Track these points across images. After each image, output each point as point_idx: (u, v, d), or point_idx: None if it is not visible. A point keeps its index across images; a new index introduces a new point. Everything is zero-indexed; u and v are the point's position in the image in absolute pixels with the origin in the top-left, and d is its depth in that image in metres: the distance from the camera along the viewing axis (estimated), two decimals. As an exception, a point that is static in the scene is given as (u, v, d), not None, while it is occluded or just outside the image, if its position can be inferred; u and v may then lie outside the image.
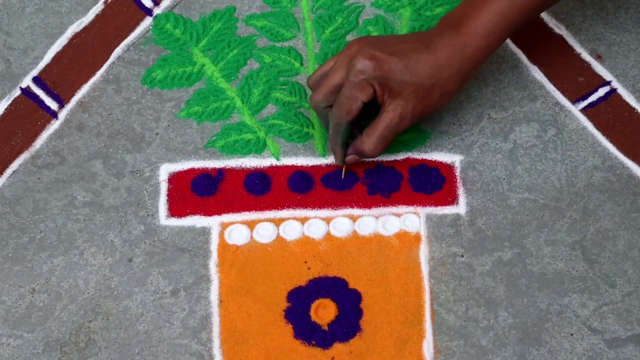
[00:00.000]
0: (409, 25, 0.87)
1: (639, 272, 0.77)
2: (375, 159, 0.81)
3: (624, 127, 0.83)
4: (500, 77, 0.85)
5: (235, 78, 0.85)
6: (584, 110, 0.84)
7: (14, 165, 0.81)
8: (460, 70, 0.74)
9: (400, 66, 0.73)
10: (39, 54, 0.86)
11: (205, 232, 0.79)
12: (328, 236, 0.79)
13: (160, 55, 0.86)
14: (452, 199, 0.80)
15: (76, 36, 0.87)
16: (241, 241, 0.78)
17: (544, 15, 0.87)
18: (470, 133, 0.83)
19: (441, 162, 0.81)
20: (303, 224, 0.79)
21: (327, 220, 0.79)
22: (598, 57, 0.86)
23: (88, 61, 0.86)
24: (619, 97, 0.84)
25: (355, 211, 0.80)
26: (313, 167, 0.81)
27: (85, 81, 0.85)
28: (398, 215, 0.79)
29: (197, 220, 0.79)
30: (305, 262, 0.78)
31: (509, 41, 0.86)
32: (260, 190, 0.80)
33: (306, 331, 0.75)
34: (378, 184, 0.80)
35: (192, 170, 0.81)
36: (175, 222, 0.79)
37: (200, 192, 0.80)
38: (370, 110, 0.76)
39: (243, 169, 0.81)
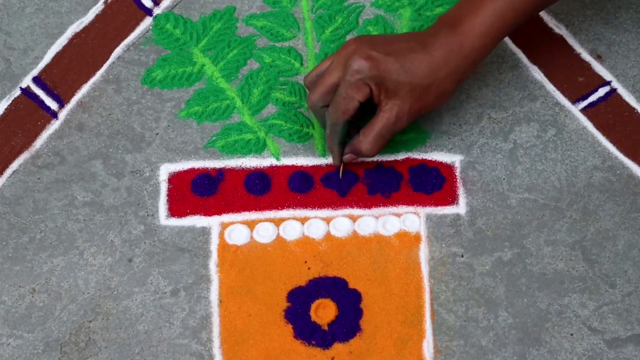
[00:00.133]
0: (409, 25, 0.87)
1: (639, 272, 0.77)
2: (375, 159, 0.81)
3: (624, 127, 0.83)
4: (500, 77, 0.85)
5: (235, 78, 0.85)
6: (584, 110, 0.84)
7: (14, 165, 0.81)
8: (457, 70, 0.74)
9: (397, 66, 0.73)
10: (39, 54, 0.86)
11: (205, 232, 0.79)
12: (328, 236, 0.79)
13: (160, 55, 0.86)
14: (452, 199, 0.80)
15: (76, 36, 0.87)
16: (241, 241, 0.78)
17: (544, 15, 0.87)
18: (470, 133, 0.83)
19: (441, 162, 0.81)
20: (303, 224, 0.79)
21: (327, 220, 0.79)
22: (598, 57, 0.86)
23: (88, 61, 0.86)
24: (619, 97, 0.84)
25: (355, 211, 0.80)
26: (313, 167, 0.81)
27: (85, 81, 0.85)
28: (398, 215, 0.79)
29: (197, 220, 0.79)
30: (305, 262, 0.78)
31: (509, 41, 0.86)
32: (260, 190, 0.80)
33: (306, 331, 0.75)
34: (378, 184, 0.80)
35: (192, 170, 0.81)
36: (175, 222, 0.79)
37: (200, 192, 0.80)
38: (367, 110, 0.76)
39: (243, 169, 0.81)
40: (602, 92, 0.84)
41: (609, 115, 0.83)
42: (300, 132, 0.83)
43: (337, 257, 0.78)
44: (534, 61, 0.86)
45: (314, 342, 0.75)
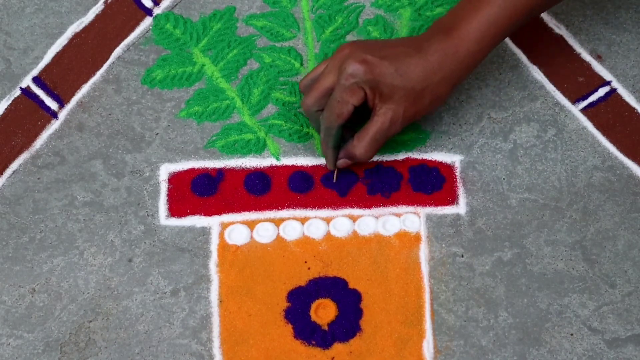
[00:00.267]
0: (409, 25, 0.87)
1: (639, 272, 0.77)
2: (375, 159, 0.81)
3: (624, 127, 0.83)
4: (500, 77, 0.85)
5: (235, 78, 0.85)
6: (584, 110, 0.84)
7: (14, 165, 0.81)
8: (452, 75, 0.74)
9: (391, 70, 0.73)
10: (39, 54, 0.86)
11: (205, 232, 0.79)
12: (328, 236, 0.79)
13: (160, 55, 0.86)
14: (452, 199, 0.80)
15: (76, 36, 0.87)
16: (241, 241, 0.78)
17: (544, 15, 0.87)
18: (470, 133, 0.83)
19: (441, 162, 0.81)
20: (303, 224, 0.79)
21: (327, 220, 0.79)
22: (598, 57, 0.86)
23: (88, 61, 0.86)
24: (619, 97, 0.84)
25: (355, 211, 0.80)
26: (313, 167, 0.81)
27: (85, 81, 0.85)
28: (398, 215, 0.79)
29: (197, 220, 0.79)
30: (305, 262, 0.78)
31: (509, 41, 0.86)
32: (260, 190, 0.80)
33: (306, 331, 0.75)
34: (378, 184, 0.80)
35: (192, 170, 0.81)
36: (175, 222, 0.79)
37: (200, 192, 0.80)
38: (362, 114, 0.76)
39: (243, 169, 0.81)
40: (602, 92, 0.84)
41: (609, 115, 0.83)
42: (300, 132, 0.83)
43: (337, 257, 0.78)
44: (534, 61, 0.86)
45: (314, 342, 0.75)
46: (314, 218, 0.79)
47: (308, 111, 0.77)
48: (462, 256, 0.78)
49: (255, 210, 0.80)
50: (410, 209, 0.80)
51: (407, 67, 0.73)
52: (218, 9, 0.88)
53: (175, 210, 0.80)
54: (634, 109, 0.84)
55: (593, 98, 0.84)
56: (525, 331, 0.75)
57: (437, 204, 0.80)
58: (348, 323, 0.75)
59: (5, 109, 0.84)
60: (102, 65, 0.85)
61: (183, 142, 0.83)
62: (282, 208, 0.80)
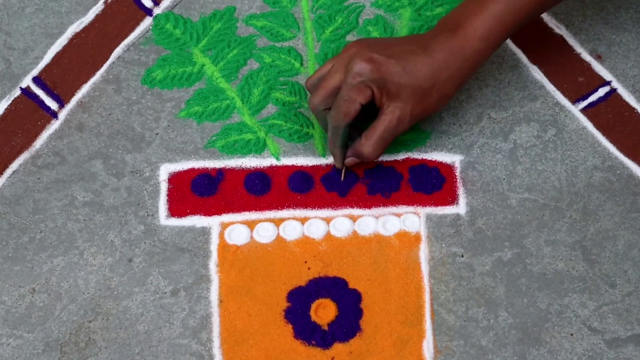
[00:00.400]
0: (409, 25, 0.87)
1: (639, 272, 0.77)
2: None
3: (624, 127, 0.83)
4: (500, 77, 0.85)
5: (235, 78, 0.85)
6: (584, 110, 0.84)
7: (14, 165, 0.81)
8: (458, 73, 0.74)
9: (398, 68, 0.73)
10: (39, 54, 0.86)
11: (205, 232, 0.79)
12: (328, 236, 0.79)
13: (160, 55, 0.86)
14: (452, 199, 0.80)
15: (76, 36, 0.87)
16: (241, 241, 0.78)
17: (543, 15, 0.87)
18: (470, 133, 0.83)
19: (441, 162, 0.81)
20: (303, 224, 0.79)
21: (327, 220, 0.79)
22: (598, 57, 0.86)
23: (88, 61, 0.86)
24: (619, 97, 0.84)
25: (355, 211, 0.80)
26: (313, 167, 0.81)
27: (85, 81, 0.85)
28: (398, 215, 0.79)
29: (197, 220, 0.79)
30: (305, 262, 0.78)
31: (509, 41, 0.86)
32: (260, 190, 0.80)
33: (306, 331, 0.75)
34: (378, 184, 0.80)
35: (192, 170, 0.81)
36: (175, 222, 0.79)
37: (200, 192, 0.80)
38: (369, 113, 0.76)
39: (243, 169, 0.81)
40: (602, 92, 0.84)
41: (609, 115, 0.83)
42: (300, 132, 0.83)
43: (337, 257, 0.78)
44: (534, 61, 0.86)
45: (314, 342, 0.75)
46: (314, 218, 0.79)
47: (315, 110, 0.77)
48: (462, 256, 0.78)
49: (255, 210, 0.80)
50: (410, 209, 0.80)
51: (414, 65, 0.73)
52: (218, 9, 0.88)
53: (175, 210, 0.80)
54: (634, 109, 0.84)
55: (593, 98, 0.84)
56: (525, 331, 0.75)
57: (437, 204, 0.80)
58: (348, 323, 0.75)
59: (5, 109, 0.84)
60: (102, 65, 0.85)
61: (183, 142, 0.83)
62: (282, 208, 0.80)
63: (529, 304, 0.76)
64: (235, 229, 0.79)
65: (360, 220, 0.79)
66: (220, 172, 0.81)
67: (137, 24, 0.87)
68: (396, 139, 0.81)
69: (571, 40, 0.86)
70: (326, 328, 0.75)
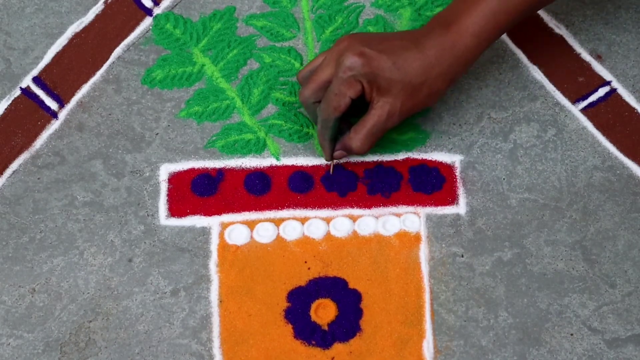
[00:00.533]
0: (409, 25, 0.87)
1: (639, 272, 0.77)
2: (375, 159, 0.81)
3: (624, 127, 0.83)
4: (500, 77, 0.85)
5: (235, 78, 0.85)
6: (584, 110, 0.84)
7: (14, 165, 0.81)
8: (449, 70, 0.74)
9: (389, 64, 0.73)
10: (39, 54, 0.86)
11: (205, 232, 0.79)
12: (328, 236, 0.79)
13: (160, 55, 0.86)
14: (452, 199, 0.80)
15: (76, 36, 0.87)
16: (241, 241, 0.78)
17: (544, 15, 0.87)
18: (470, 133, 0.83)
19: (441, 162, 0.81)
20: (303, 224, 0.79)
21: (327, 220, 0.79)
22: (598, 57, 0.86)
23: (88, 61, 0.86)
24: (619, 97, 0.84)
25: (355, 211, 0.80)
26: (313, 167, 0.81)
27: (85, 81, 0.85)
28: (398, 215, 0.79)
29: (197, 220, 0.79)
30: (305, 262, 0.78)
31: (509, 41, 0.86)
32: (260, 190, 0.80)
33: (306, 331, 0.75)
34: (378, 184, 0.80)
35: (192, 170, 0.81)
36: (175, 222, 0.79)
37: (200, 192, 0.80)
38: (359, 107, 0.76)
39: (243, 169, 0.81)
40: (602, 92, 0.84)
41: (609, 115, 0.83)
42: (300, 132, 0.83)
43: (337, 257, 0.78)
44: (534, 61, 0.86)
45: (314, 342, 0.75)
46: (314, 218, 0.79)
47: (305, 103, 0.77)
48: (462, 256, 0.78)
49: (255, 210, 0.80)
50: (410, 209, 0.80)
51: (405, 60, 0.73)
52: (218, 9, 0.88)
53: (175, 210, 0.80)
54: (634, 109, 0.84)
55: (593, 98, 0.84)
56: (525, 331, 0.75)
57: (437, 204, 0.80)
58: (348, 323, 0.75)
59: (5, 109, 0.84)
60: (102, 65, 0.85)
61: (183, 142, 0.83)
62: (282, 208, 0.80)
63: (529, 304, 0.76)
64: (235, 229, 0.79)
65: (360, 220, 0.79)
66: (220, 172, 0.81)
67: (137, 24, 0.87)
68: (396, 138, 0.81)
69: (571, 40, 0.86)
70: (326, 328, 0.75)
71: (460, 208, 0.80)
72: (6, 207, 0.80)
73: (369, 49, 0.73)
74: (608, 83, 0.84)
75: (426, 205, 0.80)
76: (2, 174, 0.81)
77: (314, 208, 0.80)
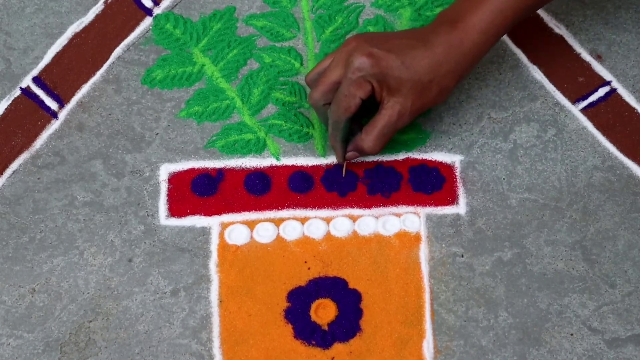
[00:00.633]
0: (409, 25, 0.87)
1: (639, 272, 0.77)
2: (375, 159, 0.81)
3: (624, 127, 0.83)
4: (500, 77, 0.85)
5: (235, 78, 0.85)
6: (584, 110, 0.84)
7: (14, 165, 0.81)
8: (457, 67, 0.74)
9: (398, 63, 0.73)
10: (39, 54, 0.86)
11: (205, 232, 0.79)
12: (328, 236, 0.79)
13: (160, 55, 0.86)
14: (452, 199, 0.80)
15: (76, 36, 0.87)
16: (241, 241, 0.78)
17: (544, 15, 0.87)
18: (470, 133, 0.83)
19: (441, 162, 0.81)
20: (303, 224, 0.79)
21: (327, 220, 0.79)
22: (598, 57, 0.86)
23: (88, 61, 0.86)
24: (619, 97, 0.84)
25: (355, 211, 0.80)
26: (313, 167, 0.81)
27: (85, 81, 0.85)
28: (398, 215, 0.79)
29: (197, 220, 0.79)
30: (305, 262, 0.78)
31: (509, 41, 0.86)
32: (260, 190, 0.80)
33: (306, 331, 0.75)
34: (378, 184, 0.80)
35: (192, 170, 0.81)
36: (175, 222, 0.79)
37: (200, 192, 0.80)
38: (369, 107, 0.76)
39: (243, 169, 0.81)
40: (602, 92, 0.84)
41: (609, 115, 0.83)
42: (300, 132, 0.83)
43: (337, 257, 0.78)
44: (534, 61, 0.86)
45: (314, 342, 0.75)
46: (314, 218, 0.79)
47: (315, 105, 0.77)
48: (462, 256, 0.78)
49: (255, 210, 0.80)
50: (410, 209, 0.80)
51: (413, 59, 0.73)
52: (218, 9, 0.88)
53: (175, 210, 0.80)
54: (634, 109, 0.84)
55: (593, 98, 0.84)
56: (525, 331, 0.75)
57: (437, 204, 0.80)
58: (348, 323, 0.75)
59: (5, 109, 0.84)
60: (102, 65, 0.85)
61: (183, 142, 0.83)
62: (282, 208, 0.80)
63: (529, 304, 0.76)
64: (235, 229, 0.79)
65: (360, 220, 0.79)
66: (220, 172, 0.81)
67: (137, 24, 0.87)
68: (396, 138, 0.81)
69: (571, 40, 0.86)
70: (326, 328, 0.75)
71: (460, 208, 0.80)
72: (6, 207, 0.80)
73: (377, 49, 0.73)
74: (608, 83, 0.84)
75: (426, 205, 0.80)
76: (2, 174, 0.81)
77: (314, 208, 0.80)
